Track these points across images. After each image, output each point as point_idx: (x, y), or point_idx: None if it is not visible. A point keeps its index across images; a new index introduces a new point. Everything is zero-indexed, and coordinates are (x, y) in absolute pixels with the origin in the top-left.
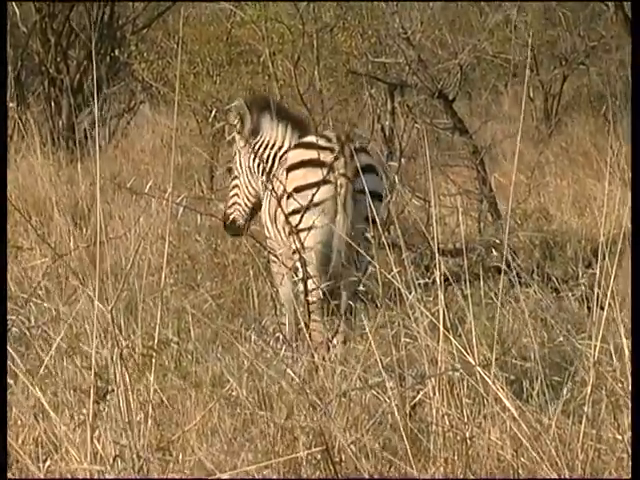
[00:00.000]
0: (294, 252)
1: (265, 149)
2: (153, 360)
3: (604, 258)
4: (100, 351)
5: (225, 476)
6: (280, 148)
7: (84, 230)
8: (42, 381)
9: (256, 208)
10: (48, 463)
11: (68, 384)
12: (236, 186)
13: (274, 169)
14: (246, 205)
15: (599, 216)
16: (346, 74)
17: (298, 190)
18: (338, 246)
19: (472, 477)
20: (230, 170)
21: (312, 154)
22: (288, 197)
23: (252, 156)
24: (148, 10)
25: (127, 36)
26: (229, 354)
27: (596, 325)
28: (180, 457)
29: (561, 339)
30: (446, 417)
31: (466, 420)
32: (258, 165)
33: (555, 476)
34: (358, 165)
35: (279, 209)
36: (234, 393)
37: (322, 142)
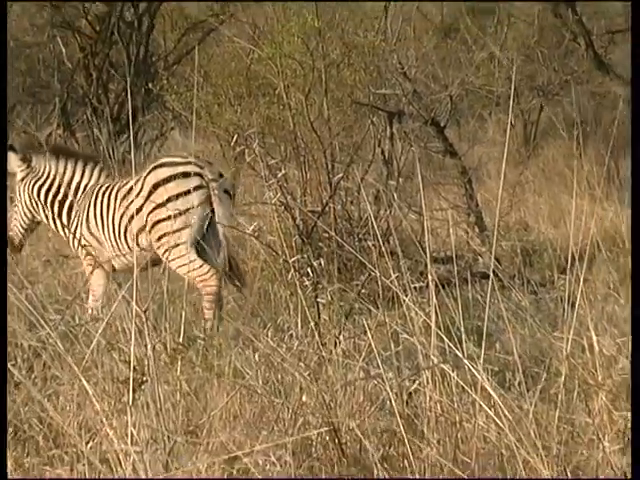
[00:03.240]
0: (166, 250)
1: (51, 182)
2: (182, 355)
3: (575, 265)
4: (135, 347)
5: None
6: (77, 189)
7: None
8: (85, 373)
9: (30, 229)
10: (90, 444)
11: (108, 375)
12: (16, 212)
13: (76, 198)
14: (22, 227)
15: (572, 228)
16: (350, 104)
17: (171, 199)
18: (224, 232)
19: (462, 456)
20: (12, 199)
21: (177, 169)
22: (159, 207)
23: (36, 188)
24: (178, 48)
25: (159, 71)
26: (249, 349)
27: (568, 323)
28: (205, 439)
29: (539, 335)
30: (438, 404)
31: (456, 406)
32: (42, 194)
33: (534, 455)
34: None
35: (133, 225)
36: (253, 383)
37: (180, 159)
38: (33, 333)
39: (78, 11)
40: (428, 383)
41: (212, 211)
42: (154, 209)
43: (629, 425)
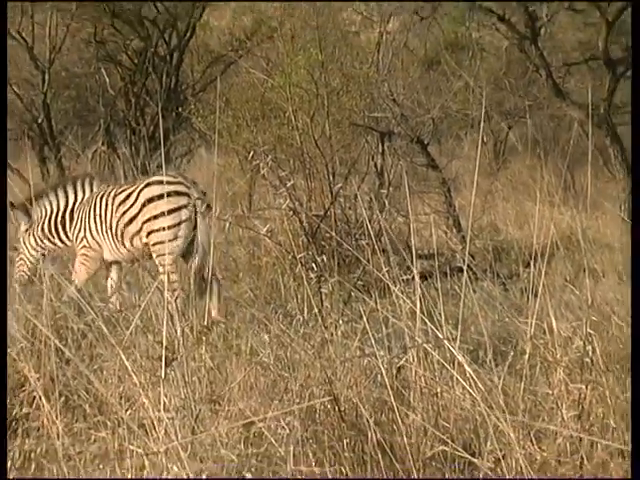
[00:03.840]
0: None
1: (50, 215)
2: (206, 336)
3: (537, 260)
4: (167, 329)
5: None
6: (74, 203)
7: None
8: (125, 351)
9: (35, 269)
10: (129, 412)
11: (144, 354)
12: (21, 259)
13: (75, 208)
14: (29, 269)
15: (534, 229)
16: (348, 125)
17: (164, 214)
18: (203, 242)
19: (442, 421)
20: (16, 248)
21: (169, 188)
22: (154, 219)
23: (39, 229)
24: (203, 78)
25: (188, 98)
26: (262, 331)
27: (532, 309)
28: (226, 407)
29: (507, 320)
30: (422, 377)
31: (437, 380)
32: (46, 229)
33: (503, 421)
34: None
35: (129, 230)
36: (266, 360)
37: (171, 179)
38: (81, 318)
39: (119, 46)
40: (414, 360)
41: (195, 224)
42: (149, 220)
43: (583, 395)
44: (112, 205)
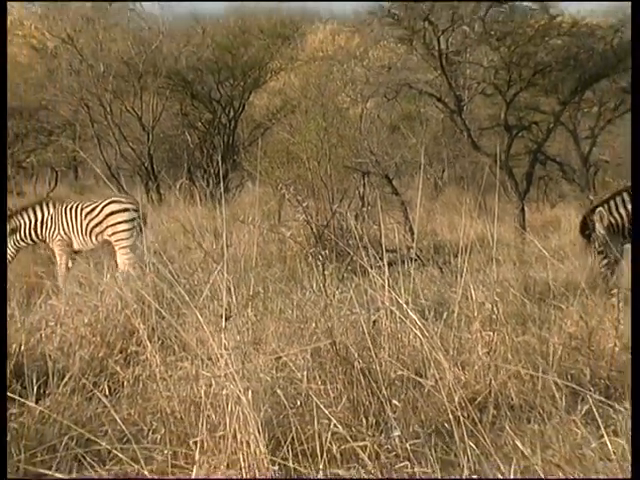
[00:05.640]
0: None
1: (27, 226)
2: (251, 301)
3: (462, 253)
4: (226, 297)
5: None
6: (42, 216)
7: (219, 240)
8: (200, 311)
9: (14, 255)
10: (202, 350)
11: (212, 312)
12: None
13: (44, 218)
14: (12, 256)
15: (461, 233)
16: (342, 167)
17: (122, 222)
18: (145, 244)
19: (401, 356)
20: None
21: (125, 205)
22: (116, 224)
23: (19, 235)
24: (249, 137)
25: (240, 150)
26: (288, 298)
27: (459, 284)
28: (263, 347)
29: (442, 291)
30: (389, 327)
31: (398, 329)
32: (28, 233)
33: (441, 356)
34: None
35: (94, 230)
36: (289, 317)
37: (124, 200)
38: (172, 290)
39: (196, 117)
40: (383, 316)
41: (141, 229)
42: (113, 225)
43: (491, 339)
44: (81, 214)
